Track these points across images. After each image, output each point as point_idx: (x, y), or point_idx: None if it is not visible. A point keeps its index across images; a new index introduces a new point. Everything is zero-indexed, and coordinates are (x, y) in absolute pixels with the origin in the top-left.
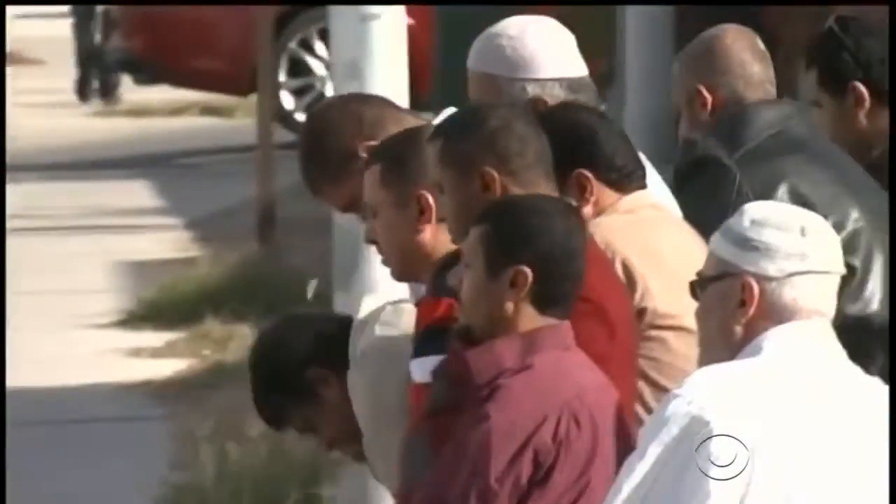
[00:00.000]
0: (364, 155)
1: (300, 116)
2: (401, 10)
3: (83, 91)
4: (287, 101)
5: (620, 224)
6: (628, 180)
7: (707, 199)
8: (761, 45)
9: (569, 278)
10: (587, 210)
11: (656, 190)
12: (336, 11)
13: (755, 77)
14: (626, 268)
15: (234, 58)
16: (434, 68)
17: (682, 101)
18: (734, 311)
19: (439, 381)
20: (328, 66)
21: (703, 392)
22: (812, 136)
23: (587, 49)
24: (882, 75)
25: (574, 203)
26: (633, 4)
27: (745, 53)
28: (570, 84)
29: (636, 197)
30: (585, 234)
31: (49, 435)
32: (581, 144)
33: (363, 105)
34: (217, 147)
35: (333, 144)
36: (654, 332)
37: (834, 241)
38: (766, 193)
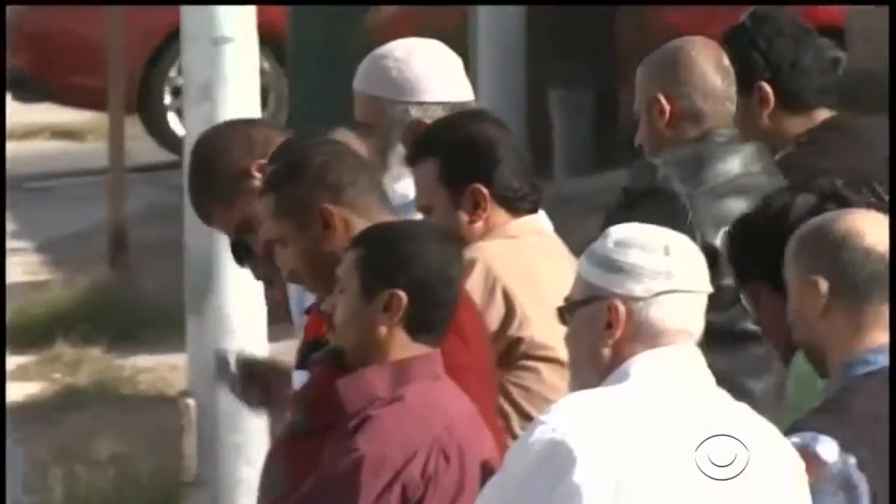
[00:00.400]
0: (258, 174)
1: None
2: (253, 32)
3: None
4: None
5: (504, 250)
6: (521, 202)
7: None
8: (726, 61)
9: (443, 305)
10: (478, 226)
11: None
12: (188, 35)
13: (716, 91)
14: (506, 296)
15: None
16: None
17: (641, 108)
18: (602, 333)
19: (300, 404)
20: None
21: (567, 419)
22: (768, 182)
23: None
24: (790, 79)
25: (466, 217)
26: (484, 4)
27: (708, 66)
28: (454, 108)
29: (524, 222)
30: (462, 261)
31: None
32: (480, 158)
33: (250, 127)
34: (69, 170)
35: (222, 166)
36: (528, 363)
37: (699, 260)
38: (709, 234)
